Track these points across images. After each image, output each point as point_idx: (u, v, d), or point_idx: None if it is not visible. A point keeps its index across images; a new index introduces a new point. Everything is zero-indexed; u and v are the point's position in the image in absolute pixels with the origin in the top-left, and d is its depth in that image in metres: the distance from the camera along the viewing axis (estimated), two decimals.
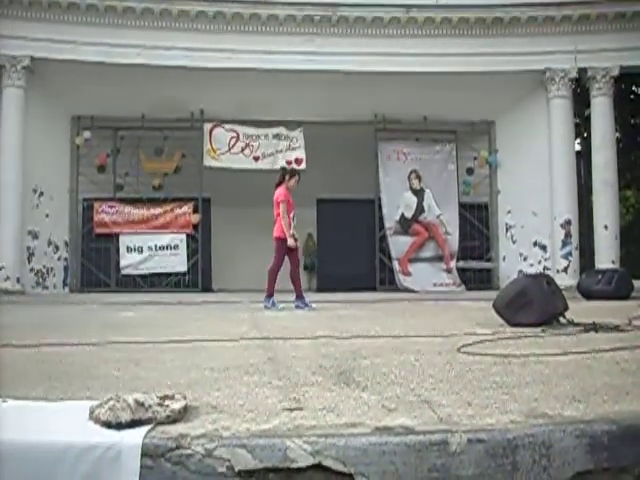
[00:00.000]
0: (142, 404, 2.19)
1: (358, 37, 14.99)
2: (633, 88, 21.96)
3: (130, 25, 14.51)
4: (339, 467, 1.98)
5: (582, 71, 15.36)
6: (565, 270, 15.17)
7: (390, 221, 16.40)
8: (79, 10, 14.30)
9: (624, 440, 2.15)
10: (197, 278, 16.01)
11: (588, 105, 16.08)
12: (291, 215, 9.52)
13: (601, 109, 15.49)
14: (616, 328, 5.36)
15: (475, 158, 17.22)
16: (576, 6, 14.96)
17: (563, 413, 2.31)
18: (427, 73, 14.78)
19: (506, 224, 16.72)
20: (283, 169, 10.57)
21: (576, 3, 14.99)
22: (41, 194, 15.13)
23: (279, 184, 9.73)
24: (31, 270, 14.89)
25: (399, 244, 16.39)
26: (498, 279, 16.32)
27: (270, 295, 9.45)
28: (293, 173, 9.95)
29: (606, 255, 15.02)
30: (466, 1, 14.92)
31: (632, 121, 22.58)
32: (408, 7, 14.85)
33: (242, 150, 16.20)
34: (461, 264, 16.49)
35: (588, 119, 16.57)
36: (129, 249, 16.05)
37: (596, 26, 15.14)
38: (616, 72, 15.23)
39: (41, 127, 14.82)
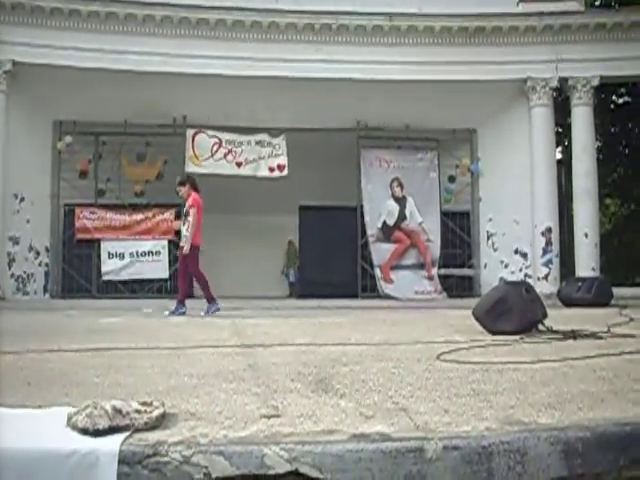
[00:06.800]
0: (120, 411, 2.19)
1: (341, 45, 15.05)
2: (613, 98, 22.15)
3: (112, 30, 14.49)
4: (315, 474, 1.99)
5: (563, 80, 15.52)
6: (546, 278, 15.30)
7: (372, 228, 16.42)
8: (62, 15, 14.26)
9: (598, 447, 2.17)
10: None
11: (569, 114, 16.21)
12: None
13: (582, 118, 15.64)
14: (594, 335, 5.40)
15: (457, 166, 17.26)
16: (557, 16, 15.11)
17: (538, 420, 2.33)
18: (409, 81, 14.86)
19: (487, 232, 16.80)
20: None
21: (557, 13, 15.14)
22: (22, 199, 15.03)
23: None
24: (12, 276, 14.79)
25: (381, 251, 16.42)
26: (479, 286, 16.36)
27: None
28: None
29: (586, 263, 15.16)
30: (448, 10, 15.01)
31: (612, 130, 22.76)
32: (391, 15, 14.93)
33: (225, 156, 16.16)
34: (443, 271, 16.53)
35: (569, 128, 16.70)
36: (110, 255, 15.96)
37: (577, 36, 15.31)
38: (596, 82, 15.40)
39: (22, 132, 14.73)
